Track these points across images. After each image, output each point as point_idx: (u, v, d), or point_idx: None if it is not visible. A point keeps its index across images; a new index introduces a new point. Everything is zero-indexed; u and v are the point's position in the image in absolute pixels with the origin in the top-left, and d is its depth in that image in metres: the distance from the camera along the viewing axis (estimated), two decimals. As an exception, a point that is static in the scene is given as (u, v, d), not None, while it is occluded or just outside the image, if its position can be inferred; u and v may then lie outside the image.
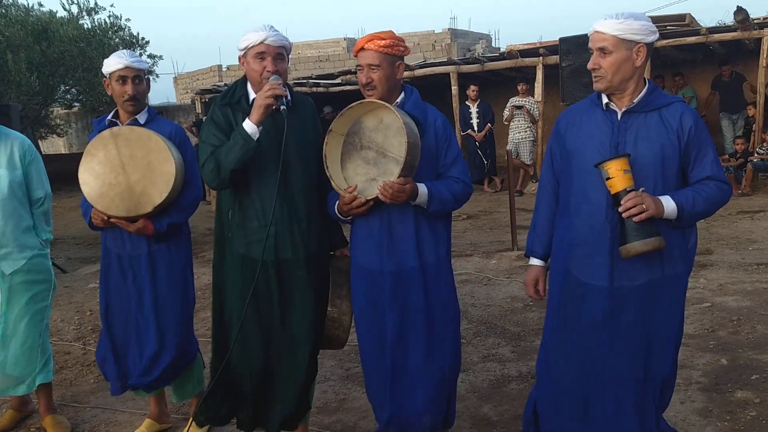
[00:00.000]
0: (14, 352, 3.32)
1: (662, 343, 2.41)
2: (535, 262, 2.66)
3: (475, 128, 11.18)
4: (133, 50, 15.83)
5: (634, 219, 2.22)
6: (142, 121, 3.15)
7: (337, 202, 2.69)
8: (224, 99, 2.78)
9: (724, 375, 3.67)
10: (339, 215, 2.74)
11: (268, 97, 2.55)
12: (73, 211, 11.64)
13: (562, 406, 2.51)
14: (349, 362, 4.15)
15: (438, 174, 2.72)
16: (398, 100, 2.72)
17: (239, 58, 2.77)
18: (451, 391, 2.85)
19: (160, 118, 3.26)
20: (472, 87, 11.18)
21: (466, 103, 11.33)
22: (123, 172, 2.96)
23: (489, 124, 11.18)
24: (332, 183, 2.64)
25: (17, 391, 3.40)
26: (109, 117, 3.19)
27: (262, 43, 2.64)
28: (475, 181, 10.18)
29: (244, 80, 2.82)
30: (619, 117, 2.38)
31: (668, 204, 2.27)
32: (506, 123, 10.95)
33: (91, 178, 2.99)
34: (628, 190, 2.24)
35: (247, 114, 2.63)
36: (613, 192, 2.27)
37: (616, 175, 2.25)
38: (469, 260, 6.63)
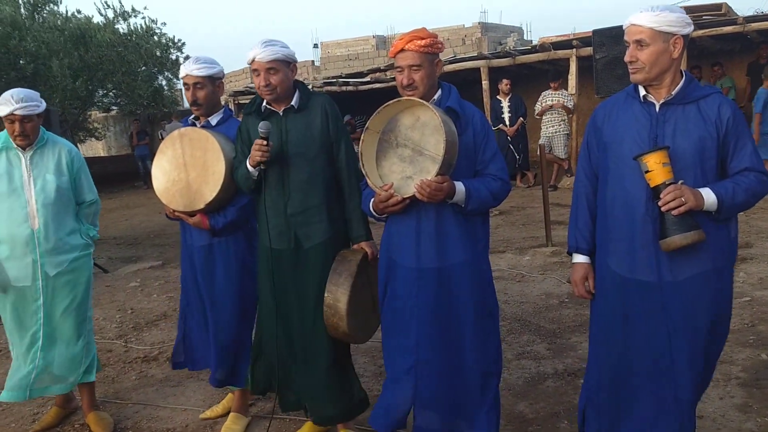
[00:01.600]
0: (60, 352, 3.44)
1: (709, 338, 2.38)
2: (580, 259, 2.61)
3: (507, 122, 11.07)
4: (169, 53, 16.14)
5: (674, 212, 2.21)
6: (214, 123, 3.32)
7: (372, 200, 2.71)
8: (247, 108, 3.08)
9: (764, 370, 3.61)
10: (374, 213, 2.76)
11: (253, 159, 2.89)
12: (114, 213, 11.94)
13: (608, 402, 2.51)
14: (381, 359, 4.17)
15: (476, 171, 2.71)
16: (435, 97, 2.72)
17: None
18: (496, 395, 2.81)
19: (233, 119, 3.39)
20: (505, 81, 11.06)
21: (498, 97, 11.23)
22: (184, 169, 3.19)
23: (521, 118, 11.07)
24: (368, 181, 2.66)
25: (62, 389, 3.52)
26: (190, 118, 3.38)
27: (253, 60, 2.87)
28: (507, 176, 10.15)
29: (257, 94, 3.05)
30: (657, 109, 2.37)
31: (708, 196, 2.25)
32: (538, 117, 10.83)
33: (159, 173, 3.26)
34: (667, 183, 2.23)
35: (261, 119, 2.94)
36: (652, 185, 2.27)
37: (655, 168, 2.24)
38: (502, 257, 6.60)
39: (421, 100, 2.58)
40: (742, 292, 4.87)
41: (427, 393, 2.71)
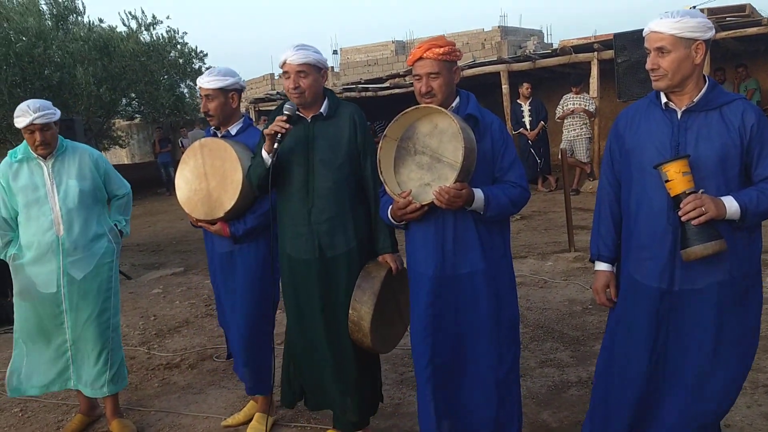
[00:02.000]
0: (87, 356, 3.49)
1: (732, 348, 2.33)
2: (602, 266, 2.59)
3: (528, 126, 11.00)
4: (191, 63, 16.31)
5: (694, 222, 2.18)
6: (233, 132, 3.37)
7: (391, 207, 2.70)
8: (274, 113, 3.03)
9: (796, 379, 3.53)
10: (392, 220, 2.75)
11: (269, 131, 2.84)
12: (137, 219, 12.06)
13: (617, 415, 2.47)
14: (402, 366, 4.16)
15: (495, 178, 2.70)
16: (453, 104, 2.71)
17: None
18: (516, 396, 2.80)
19: (253, 128, 3.43)
20: (525, 85, 10.98)
21: (518, 101, 11.16)
22: (205, 179, 3.25)
23: (542, 122, 10.99)
24: (386, 188, 2.66)
25: (94, 392, 3.57)
26: (212, 129, 3.44)
27: (285, 63, 2.89)
28: (528, 181, 10.10)
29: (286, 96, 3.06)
30: (679, 116, 2.33)
31: (730, 205, 2.20)
32: (559, 120, 10.75)
33: (182, 183, 3.34)
34: (687, 192, 2.20)
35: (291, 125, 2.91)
36: (672, 194, 2.24)
37: (675, 177, 2.21)
38: (524, 262, 6.55)
39: (439, 107, 2.58)
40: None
41: (444, 402, 2.70)
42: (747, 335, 2.37)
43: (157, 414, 3.85)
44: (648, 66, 2.31)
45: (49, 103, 3.41)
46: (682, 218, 2.19)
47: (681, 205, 2.20)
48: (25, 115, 3.30)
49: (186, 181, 3.31)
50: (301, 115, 2.96)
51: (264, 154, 2.91)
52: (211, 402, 3.92)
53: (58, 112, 3.44)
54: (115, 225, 3.65)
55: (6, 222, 3.46)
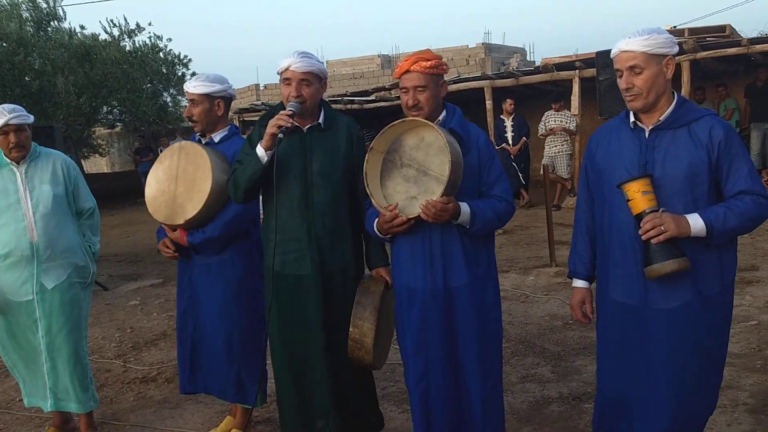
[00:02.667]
0: (62, 368, 3.41)
1: (703, 367, 2.33)
2: (579, 283, 2.62)
3: (510, 142, 11.10)
4: (175, 69, 16.21)
5: (653, 241, 2.19)
6: (217, 140, 3.30)
7: (377, 220, 2.69)
8: (263, 120, 2.90)
9: (774, 397, 3.54)
10: (378, 233, 2.73)
11: (273, 126, 2.69)
12: (115, 229, 11.92)
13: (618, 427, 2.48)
14: (385, 381, 4.12)
15: (480, 192, 2.70)
16: (440, 118, 2.71)
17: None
18: (501, 411, 2.79)
19: (237, 137, 3.35)
20: (509, 101, 11.10)
21: (501, 117, 11.26)
22: (175, 182, 3.18)
23: (524, 138, 11.10)
24: (372, 200, 2.64)
25: (69, 407, 3.49)
26: (197, 136, 3.37)
27: (287, 69, 2.78)
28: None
29: (281, 103, 2.91)
30: (647, 135, 2.35)
31: (695, 222, 2.21)
32: (541, 137, 10.86)
33: (153, 181, 3.27)
34: (647, 211, 2.22)
35: (283, 134, 2.74)
36: (634, 213, 2.27)
37: (635, 197, 2.24)
38: (506, 276, 6.55)
39: (425, 121, 2.58)
40: (748, 316, 4.81)
41: (436, 417, 2.69)
42: (714, 354, 2.37)
43: (132, 428, 3.76)
44: (622, 86, 2.32)
45: (22, 108, 3.38)
46: (643, 237, 2.21)
47: (641, 224, 2.22)
48: (0, 115, 3.26)
49: (157, 180, 3.25)
50: (297, 124, 2.81)
51: (260, 151, 2.75)
52: (187, 417, 3.85)
53: (32, 117, 3.40)
54: (89, 246, 3.56)
55: None
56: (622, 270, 2.38)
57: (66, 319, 3.39)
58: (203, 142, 3.31)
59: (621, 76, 2.31)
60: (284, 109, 2.81)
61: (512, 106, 11.08)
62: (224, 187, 3.08)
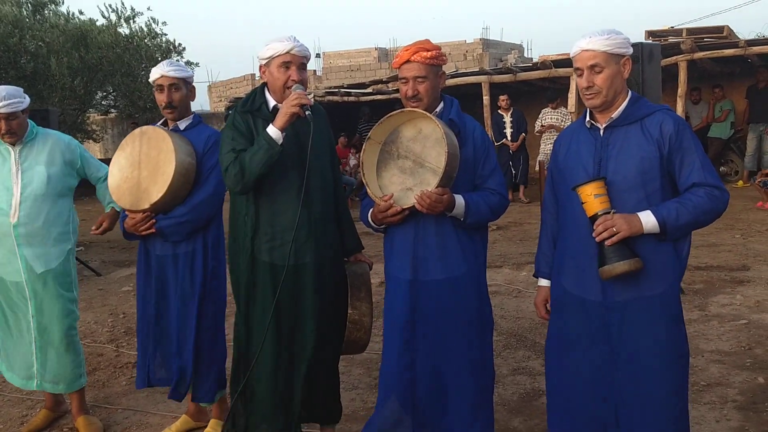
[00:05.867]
0: (51, 356, 3.42)
1: (663, 364, 2.30)
2: (543, 282, 2.65)
3: (509, 137, 11.12)
4: (170, 56, 16.13)
5: (606, 243, 2.22)
6: (182, 128, 3.25)
7: (371, 210, 2.69)
8: (244, 106, 2.83)
9: (761, 393, 3.58)
10: (372, 223, 2.74)
11: (295, 105, 2.62)
12: (108, 215, 11.87)
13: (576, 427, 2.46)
14: (376, 370, 4.12)
15: (475, 185, 2.71)
16: (438, 109, 2.71)
17: (260, 67, 2.84)
18: (489, 406, 2.77)
19: (203, 125, 3.32)
20: (502, 97, 11.14)
21: (499, 112, 11.28)
22: (138, 168, 3.12)
23: (523, 134, 11.12)
24: (368, 190, 2.65)
25: (58, 389, 3.50)
26: (158, 123, 3.30)
27: (288, 52, 2.71)
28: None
29: (262, 88, 2.87)
30: (601, 133, 2.37)
31: (647, 220, 2.23)
32: (537, 135, 10.89)
33: (116, 169, 3.19)
34: (600, 213, 2.25)
35: (268, 121, 2.71)
36: (588, 215, 2.30)
37: (588, 199, 2.28)
38: (499, 272, 6.59)
39: (424, 112, 2.58)
40: (738, 315, 4.86)
41: (423, 406, 2.69)
42: (677, 346, 2.35)
43: (124, 412, 3.78)
44: (583, 85, 2.35)
45: (19, 91, 3.34)
46: (596, 239, 2.24)
47: (594, 227, 2.25)
48: None
49: (119, 168, 3.17)
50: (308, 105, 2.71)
51: (274, 132, 2.63)
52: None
53: (27, 100, 3.36)
54: (112, 208, 3.51)
55: None
56: (577, 264, 2.40)
57: (56, 301, 3.39)
58: (169, 128, 3.24)
59: (581, 75, 2.35)
60: (263, 94, 2.82)
61: (506, 101, 11.11)
62: (189, 169, 3.07)
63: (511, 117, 11.14)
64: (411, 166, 2.62)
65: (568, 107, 10.81)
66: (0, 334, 3.52)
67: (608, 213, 2.24)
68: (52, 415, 3.64)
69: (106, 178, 3.49)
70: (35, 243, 3.33)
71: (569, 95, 10.84)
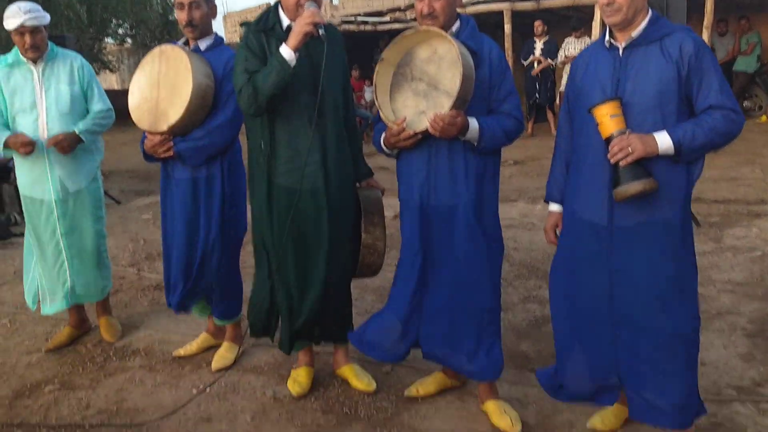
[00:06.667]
0: (85, 267, 3.59)
1: (673, 288, 2.31)
2: (554, 207, 2.65)
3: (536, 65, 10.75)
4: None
5: (621, 163, 2.20)
6: (203, 48, 3.19)
7: (384, 134, 2.68)
8: (258, 25, 2.78)
9: (771, 323, 3.62)
10: (384, 147, 2.74)
11: (308, 24, 2.56)
12: (127, 146, 11.94)
13: (572, 344, 2.52)
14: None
15: (490, 109, 2.67)
16: (453, 29, 2.65)
17: None
18: (496, 330, 2.80)
19: (224, 46, 3.26)
20: (537, 22, 10.71)
21: (534, 38, 10.90)
22: (157, 88, 3.08)
23: (549, 60, 10.73)
24: (381, 114, 2.63)
25: (89, 299, 3.70)
26: (180, 42, 3.24)
27: None
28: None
29: (276, 7, 2.82)
30: (621, 53, 2.33)
31: (663, 140, 2.20)
32: (560, 66, 10.59)
33: (135, 89, 3.16)
34: (615, 134, 2.23)
35: (281, 40, 2.65)
36: (604, 137, 2.28)
37: (604, 120, 2.25)
38: (514, 205, 6.58)
39: (439, 30, 2.52)
40: (753, 247, 4.85)
41: (430, 325, 2.76)
42: (687, 269, 2.35)
43: (146, 330, 3.91)
44: (603, 1, 2.29)
45: (38, 6, 3.34)
46: (611, 160, 2.23)
47: (609, 147, 2.23)
48: (15, 16, 3.25)
49: (139, 88, 3.14)
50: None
51: (286, 52, 2.58)
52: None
53: (48, 16, 3.37)
54: (75, 131, 3.41)
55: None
56: (589, 189, 2.39)
57: (88, 218, 3.54)
58: (190, 48, 3.19)
59: None
60: (277, 13, 2.77)
61: (542, 26, 10.67)
62: (207, 91, 3.04)
63: (543, 45, 10.71)
64: (425, 88, 2.59)
65: (592, 37, 10.52)
66: (39, 265, 3.61)
67: (623, 133, 2.22)
68: (75, 332, 3.79)
69: (102, 114, 3.52)
70: (65, 162, 3.43)
71: (593, 24, 10.53)
